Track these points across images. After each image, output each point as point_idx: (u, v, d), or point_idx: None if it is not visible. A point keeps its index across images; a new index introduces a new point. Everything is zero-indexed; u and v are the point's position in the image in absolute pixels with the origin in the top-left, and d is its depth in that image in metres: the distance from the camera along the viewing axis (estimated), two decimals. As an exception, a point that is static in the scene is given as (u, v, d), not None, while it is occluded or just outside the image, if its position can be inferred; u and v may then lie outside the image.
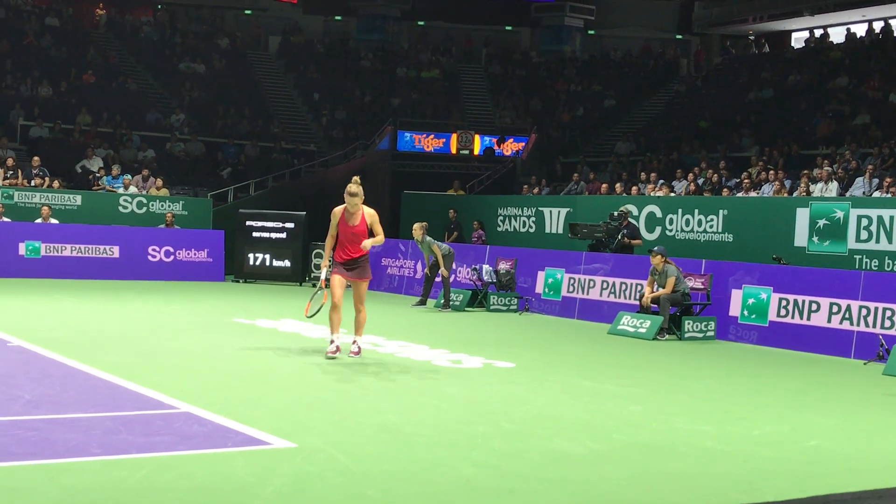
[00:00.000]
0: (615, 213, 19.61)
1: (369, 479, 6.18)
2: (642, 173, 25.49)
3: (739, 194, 21.68)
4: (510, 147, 33.22)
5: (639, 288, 16.52)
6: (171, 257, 23.12)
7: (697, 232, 20.35)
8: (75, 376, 9.56)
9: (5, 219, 22.06)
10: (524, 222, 24.43)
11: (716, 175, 23.54)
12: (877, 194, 19.53)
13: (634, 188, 23.85)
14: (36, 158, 24.95)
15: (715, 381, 11.35)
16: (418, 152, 32.80)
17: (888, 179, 19.44)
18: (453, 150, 33.11)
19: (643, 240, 19.90)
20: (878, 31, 33.47)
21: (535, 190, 27.13)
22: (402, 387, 9.72)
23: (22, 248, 21.56)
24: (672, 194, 22.98)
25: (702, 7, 39.22)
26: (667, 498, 6.03)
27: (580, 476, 6.55)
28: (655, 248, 15.75)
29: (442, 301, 18.56)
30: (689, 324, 15.26)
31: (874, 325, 13.66)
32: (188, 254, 23.31)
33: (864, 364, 13.15)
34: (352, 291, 11.48)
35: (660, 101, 36.73)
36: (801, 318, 14.56)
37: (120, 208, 24.25)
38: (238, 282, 23.33)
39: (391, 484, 6.12)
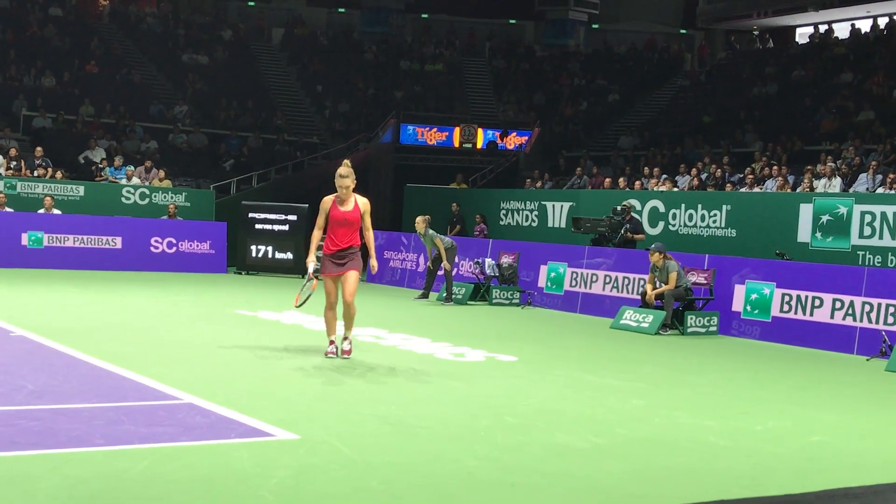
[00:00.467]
0: (618, 208, 19.60)
1: (372, 471, 6.18)
2: (646, 168, 25.47)
3: (743, 189, 21.67)
4: (513, 141, 33.21)
5: (641, 282, 16.52)
6: (174, 249, 23.13)
7: (701, 227, 20.34)
8: (78, 366, 9.56)
9: (8, 209, 22.06)
10: (527, 216, 24.42)
11: (719, 170, 23.54)
12: (880, 190, 19.51)
13: (638, 183, 23.84)
14: (39, 149, 24.95)
15: (717, 377, 11.34)
16: (421, 145, 32.79)
17: (892, 175, 19.43)
18: (456, 144, 33.11)
19: (646, 234, 19.90)
20: (882, 26, 33.40)
21: (538, 184, 27.12)
22: (404, 380, 9.71)
23: (25, 239, 21.57)
24: (675, 189, 22.97)
25: (706, 2, 39.12)
26: (669, 492, 6.03)
27: (582, 470, 6.55)
28: (653, 246, 15.73)
29: (444, 294, 18.56)
30: (691, 319, 15.26)
31: (877, 322, 13.65)
32: (190, 245, 23.32)
33: (867, 360, 13.14)
34: (342, 286, 10.70)
35: (664, 96, 36.70)
36: (804, 313, 14.55)
37: (123, 199, 24.26)
38: (240, 274, 23.34)
39: (394, 476, 6.12)
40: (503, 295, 18.72)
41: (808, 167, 21.41)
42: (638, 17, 41.91)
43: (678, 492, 6.06)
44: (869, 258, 17.39)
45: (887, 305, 13.60)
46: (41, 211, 22.26)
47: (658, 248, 15.54)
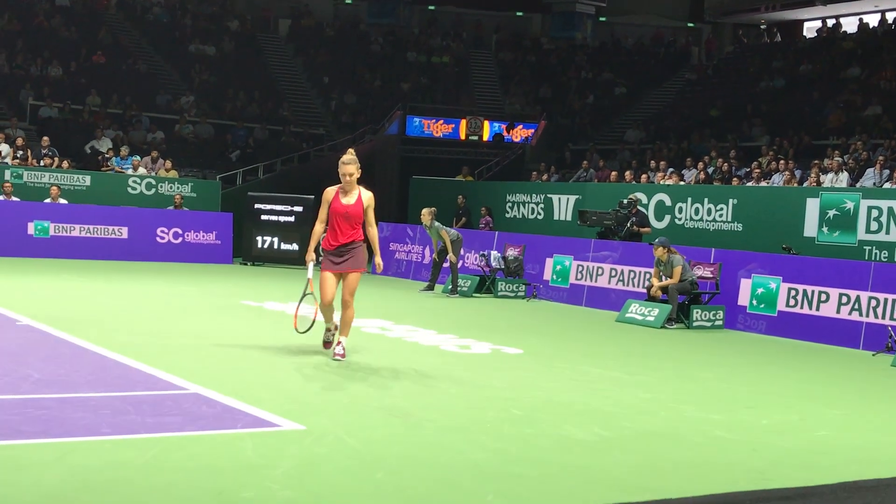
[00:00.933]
0: (624, 201, 19.57)
1: (378, 462, 6.18)
2: (652, 161, 25.43)
3: (749, 184, 21.63)
4: (519, 133, 33.17)
5: (647, 276, 16.50)
6: (180, 239, 23.15)
7: (707, 221, 20.31)
8: (84, 356, 9.58)
9: (15, 198, 22.09)
10: (533, 209, 24.41)
11: (726, 164, 23.50)
12: (887, 185, 19.47)
13: (644, 176, 23.80)
14: (45, 138, 24.96)
15: (723, 370, 11.33)
16: (427, 137, 32.75)
17: (899, 170, 19.38)
18: (462, 136, 33.06)
19: (652, 228, 19.87)
20: (890, 21, 33.30)
21: (544, 177, 27.09)
22: (410, 371, 9.71)
23: (31, 228, 21.60)
24: (682, 183, 22.94)
25: (714, -5, 39.09)
26: (674, 485, 6.03)
27: (588, 462, 6.55)
28: (657, 241, 15.71)
29: (450, 287, 18.56)
30: (697, 313, 15.25)
31: (883, 317, 13.63)
32: (196, 236, 23.34)
33: (873, 355, 13.13)
34: (342, 284, 10.00)
35: (671, 90, 36.62)
36: (810, 308, 14.53)
37: (129, 189, 24.28)
38: (246, 264, 23.35)
39: (400, 467, 6.12)
40: (508, 287, 18.71)
41: (815, 162, 21.36)
42: (645, 11, 41.81)
43: (684, 485, 6.06)
44: (875, 253, 17.36)
45: (894, 301, 13.57)
46: (47, 200, 22.29)
47: (662, 243, 15.52)
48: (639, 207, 19.85)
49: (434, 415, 7.74)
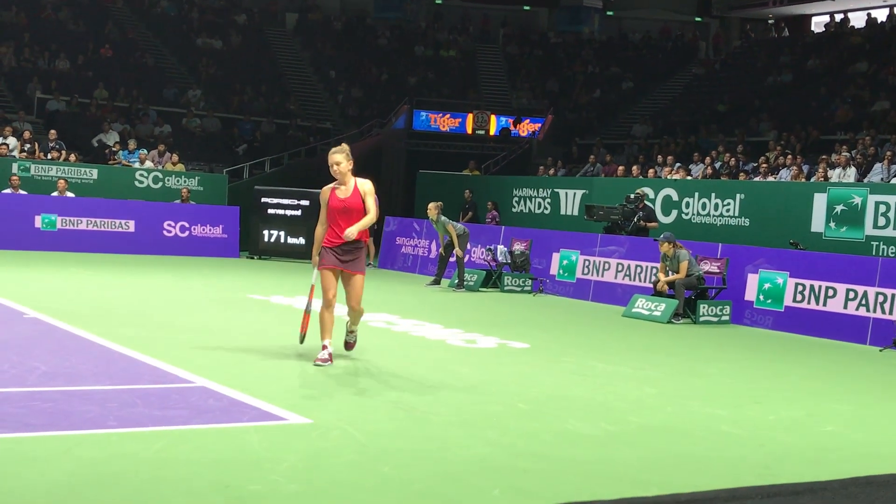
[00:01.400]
0: (631, 196, 19.54)
1: (384, 456, 6.18)
2: (659, 156, 25.38)
3: (757, 179, 21.59)
4: (526, 128, 33.12)
5: (654, 271, 16.48)
6: (187, 233, 23.18)
7: (714, 216, 20.28)
8: (91, 349, 9.59)
9: (22, 191, 22.13)
10: (539, 203, 24.38)
11: (733, 159, 23.44)
12: (895, 180, 19.41)
13: (651, 171, 23.75)
14: (53, 132, 25.01)
15: (730, 366, 11.31)
16: (434, 132, 32.71)
17: (907, 166, 19.33)
18: (469, 130, 33.02)
19: (659, 223, 19.84)
20: (899, 16, 33.18)
21: (551, 171, 27.06)
22: (416, 365, 9.71)
23: (38, 221, 21.65)
24: (689, 178, 22.89)
25: (721, -10, 39.00)
26: (681, 480, 6.02)
27: (594, 457, 6.54)
28: (662, 236, 15.69)
29: (456, 281, 18.55)
30: (704, 308, 15.23)
31: (890, 312, 13.60)
32: (203, 229, 23.36)
33: (880, 351, 13.11)
34: (345, 289, 9.42)
35: (678, 84, 36.54)
36: (818, 303, 14.51)
37: (136, 183, 24.31)
38: (253, 258, 23.37)
39: (406, 461, 6.12)
40: (515, 282, 18.70)
41: (823, 157, 21.31)
42: (653, 5, 41.70)
43: (690, 479, 6.06)
44: (883, 248, 17.32)
45: (901, 296, 13.54)
46: (55, 194, 22.33)
47: (667, 238, 15.50)
48: (646, 202, 19.83)
49: (440, 409, 7.74)
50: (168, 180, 24.64)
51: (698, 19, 41.80)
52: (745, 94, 31.27)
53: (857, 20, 34.70)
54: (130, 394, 7.56)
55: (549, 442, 6.86)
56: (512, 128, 32.87)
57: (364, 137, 31.89)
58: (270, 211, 23.51)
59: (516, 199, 25.08)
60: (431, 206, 18.59)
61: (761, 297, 15.25)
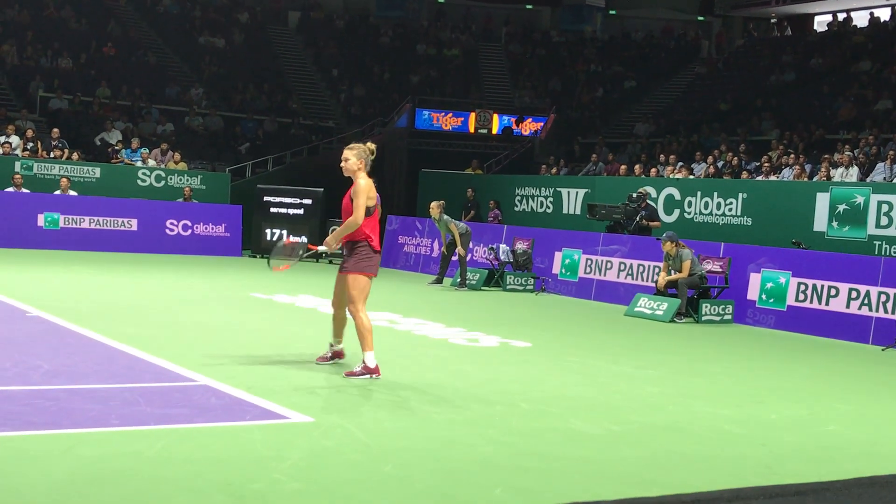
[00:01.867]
0: (634, 195, 19.53)
1: (386, 455, 6.18)
2: (661, 155, 25.37)
3: (759, 178, 21.57)
4: (529, 127, 33.11)
5: (656, 270, 16.48)
6: (189, 231, 23.19)
7: (716, 215, 20.26)
8: (94, 347, 9.60)
9: (24, 190, 22.15)
10: (542, 202, 24.38)
11: (736, 158, 23.43)
12: (898, 180, 19.40)
13: (653, 170, 23.74)
14: (55, 130, 25.02)
15: (732, 365, 11.31)
16: (436, 130, 32.71)
17: (910, 165, 19.30)
18: (471, 129, 33.02)
19: (661, 222, 19.83)
20: (902, 15, 33.17)
21: (554, 170, 27.05)
22: (418, 364, 9.72)
23: (41, 220, 21.66)
24: (691, 177, 22.88)
25: (724, -11, 38.98)
26: (683, 479, 6.02)
27: (597, 456, 6.54)
28: (664, 235, 15.69)
29: (458, 280, 18.56)
30: (706, 307, 15.22)
31: (893, 312, 13.60)
32: (206, 228, 23.38)
33: (883, 350, 13.10)
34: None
35: (680, 83, 36.52)
36: (820, 303, 14.50)
37: (138, 181, 24.32)
38: (255, 257, 23.37)
39: (408, 460, 6.12)
40: (517, 281, 18.70)
41: (826, 156, 21.29)
42: (655, 4, 41.68)
43: (692, 479, 6.05)
44: (885, 248, 17.30)
45: (904, 295, 13.53)
46: (57, 192, 22.35)
47: (669, 237, 15.49)
48: (648, 202, 19.82)
49: (442, 408, 7.74)
50: (170, 179, 24.65)
51: (701, 18, 41.77)
52: (747, 93, 31.25)
53: (860, 19, 34.68)
54: (133, 392, 7.56)
55: (551, 441, 6.86)
56: (514, 126, 32.87)
57: (366, 136, 31.87)
58: (273, 209, 23.52)
59: (518, 197, 25.07)
60: (434, 204, 18.59)
61: (764, 297, 15.24)
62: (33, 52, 30.63)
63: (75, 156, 24.30)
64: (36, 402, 7.01)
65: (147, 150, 25.36)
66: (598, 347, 12.16)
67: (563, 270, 18.72)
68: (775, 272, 15.19)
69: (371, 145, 9.01)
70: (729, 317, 15.41)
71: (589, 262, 18.28)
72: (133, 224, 22.63)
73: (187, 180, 24.68)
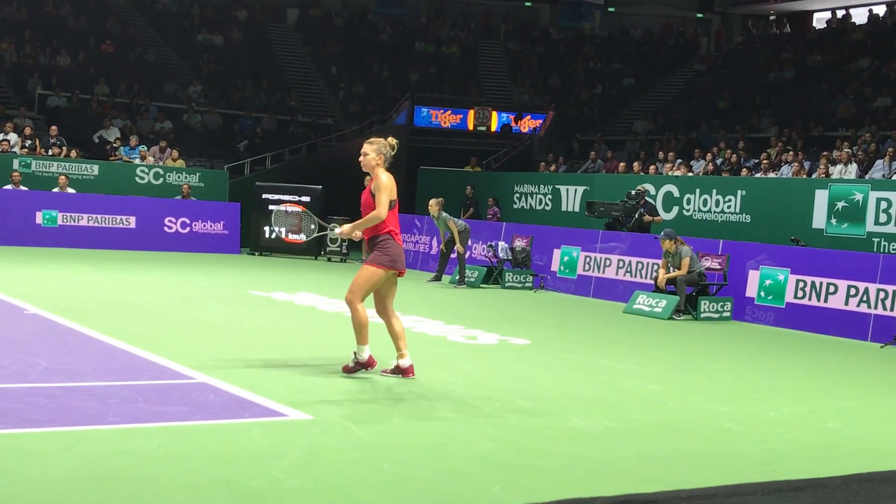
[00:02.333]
0: (632, 192, 19.53)
1: (385, 452, 6.18)
2: (660, 152, 25.37)
3: (758, 175, 21.57)
4: (527, 124, 33.10)
5: (655, 267, 16.48)
6: (188, 229, 23.17)
7: (715, 212, 20.26)
8: (92, 345, 9.59)
9: (23, 187, 22.13)
10: (541, 200, 24.37)
11: (734, 155, 23.43)
12: (897, 177, 19.40)
13: (652, 167, 23.74)
14: (54, 128, 24.99)
15: (731, 362, 11.31)
16: (435, 128, 32.69)
17: (908, 162, 19.30)
18: (470, 127, 33.00)
19: (662, 218, 19.85)
20: (901, 12, 33.14)
21: (552, 167, 27.05)
22: (417, 362, 9.69)
23: (39, 217, 21.65)
24: (690, 174, 22.88)
25: (723, -14, 38.96)
26: (682, 477, 6.01)
27: (596, 453, 6.54)
28: (662, 233, 15.67)
29: (457, 277, 18.55)
30: (705, 304, 15.22)
31: (891, 309, 13.60)
32: (204, 226, 23.36)
33: (881, 347, 13.10)
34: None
35: (679, 80, 36.51)
36: (819, 300, 14.50)
37: (137, 179, 24.30)
38: (254, 255, 23.36)
39: (406, 457, 6.12)
40: (516, 278, 18.70)
41: (824, 153, 21.29)
42: (654, 1, 41.66)
43: (691, 476, 6.05)
44: (884, 245, 17.30)
45: (903, 292, 13.53)
46: (55, 190, 22.32)
47: (668, 235, 15.49)
48: (647, 199, 19.82)
49: (441, 405, 7.73)
50: (169, 176, 24.63)
51: (700, 15, 41.75)
52: (746, 91, 31.25)
53: (859, 16, 34.67)
54: (131, 390, 7.55)
55: (550, 438, 6.85)
56: (513, 124, 32.85)
57: (365, 134, 31.84)
58: (271, 207, 23.47)
59: (517, 195, 25.07)
60: (432, 202, 18.59)
61: (762, 294, 15.24)
62: (31, 49, 30.59)
63: (73, 153, 24.28)
64: (34, 400, 7.00)
65: (145, 148, 25.34)
66: (596, 345, 12.16)
67: (562, 268, 18.72)
68: (774, 269, 15.19)
69: (392, 140, 8.87)
70: (728, 314, 15.41)
71: (588, 259, 18.28)
72: (131, 222, 22.61)
73: (186, 178, 24.66)
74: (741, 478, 6.01)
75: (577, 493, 5.50)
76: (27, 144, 23.97)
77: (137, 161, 24.84)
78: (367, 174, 8.86)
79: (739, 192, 19.94)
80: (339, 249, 22.98)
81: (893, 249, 17.08)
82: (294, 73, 35.49)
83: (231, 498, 5.12)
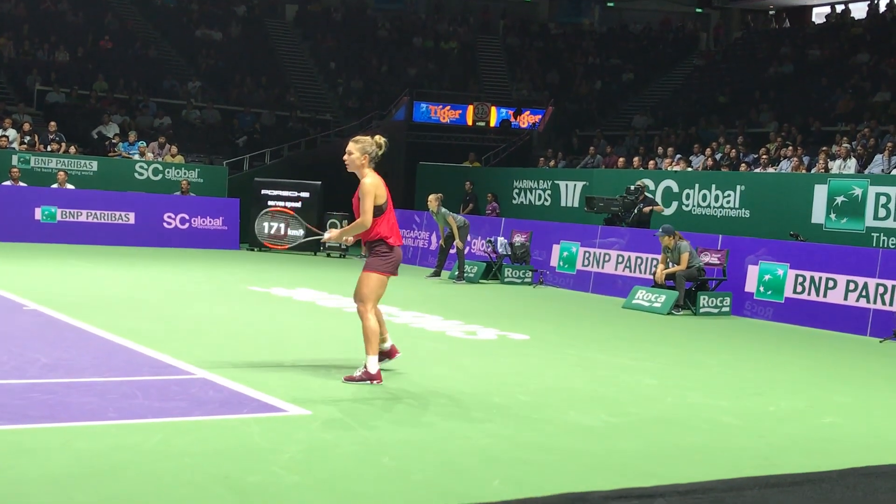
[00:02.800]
0: (631, 188, 19.53)
1: (384, 447, 6.18)
2: (660, 147, 25.37)
3: (757, 170, 21.57)
4: (527, 119, 33.08)
5: (654, 262, 16.48)
6: (187, 225, 23.17)
7: (714, 207, 20.26)
8: (91, 341, 9.59)
9: (22, 183, 22.11)
10: (540, 195, 24.37)
11: (734, 150, 23.42)
12: (895, 172, 19.39)
13: (651, 162, 23.74)
14: (52, 124, 24.99)
15: (730, 357, 11.31)
16: (434, 123, 32.67)
17: (907, 157, 19.30)
18: (469, 122, 32.98)
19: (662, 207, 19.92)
20: (900, 7, 33.11)
21: (552, 163, 27.04)
22: (416, 357, 9.71)
23: (38, 213, 21.63)
24: (689, 169, 22.87)
25: (722, -19, 38.94)
26: (681, 471, 6.02)
27: (595, 448, 6.54)
28: (661, 229, 15.66)
29: (456, 273, 18.55)
30: (704, 299, 15.22)
31: (891, 303, 13.60)
32: (203, 221, 23.35)
33: (880, 342, 13.10)
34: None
35: (678, 76, 36.50)
36: (818, 295, 14.50)
37: (136, 175, 24.29)
38: (253, 250, 23.36)
39: (406, 453, 6.12)
40: (515, 274, 18.70)
41: (824, 148, 21.29)
42: (653, -4, 41.68)
43: (690, 470, 6.05)
44: (883, 240, 17.30)
45: (902, 287, 13.53)
46: (54, 186, 22.31)
47: (667, 231, 15.48)
48: (646, 194, 19.83)
49: (440, 400, 7.74)
50: (168, 172, 24.62)
51: (699, 10, 41.73)
52: (745, 86, 31.24)
53: (858, 11, 34.65)
54: (130, 385, 7.55)
55: (549, 433, 6.86)
56: (512, 119, 32.84)
57: (364, 129, 31.83)
58: (270, 203, 23.48)
59: (517, 190, 25.06)
60: (432, 197, 18.57)
61: (761, 289, 15.24)
62: (30, 45, 30.58)
63: (72, 149, 24.28)
64: (33, 396, 7.00)
65: (144, 144, 25.32)
66: (596, 340, 12.16)
67: (561, 263, 18.72)
68: (773, 264, 15.19)
69: (379, 139, 8.42)
70: (727, 309, 15.41)
71: (587, 254, 18.28)
72: (130, 217, 22.60)
73: (185, 174, 24.65)
74: (740, 473, 6.01)
75: (576, 487, 5.50)
76: (26, 140, 23.96)
77: (136, 157, 24.83)
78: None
79: (739, 187, 19.94)
80: (338, 245, 22.96)
81: (892, 244, 17.08)
82: (293, 69, 35.48)
83: (230, 493, 5.12)
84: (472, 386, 8.42)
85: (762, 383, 9.53)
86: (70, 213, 21.97)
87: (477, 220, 21.28)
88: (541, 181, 24.54)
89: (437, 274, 19.05)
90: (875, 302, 13.81)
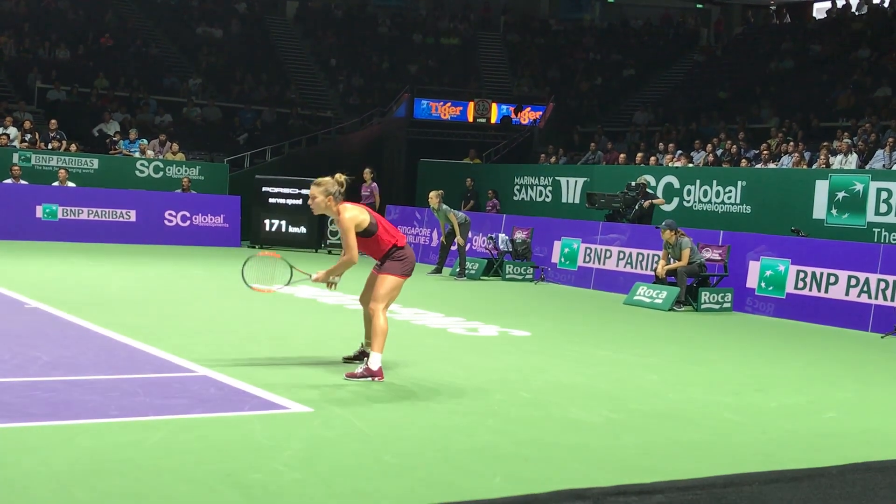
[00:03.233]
0: (632, 184, 19.53)
1: (386, 444, 6.19)
2: (661, 143, 25.34)
3: (758, 166, 21.56)
4: (527, 116, 33.05)
5: (655, 259, 16.48)
6: (188, 222, 23.17)
7: (715, 203, 20.26)
8: (93, 338, 9.60)
9: (23, 181, 22.12)
10: (541, 192, 24.36)
11: (735, 146, 23.41)
12: (897, 167, 19.39)
13: (653, 158, 23.72)
14: (53, 121, 24.99)
15: (732, 353, 11.32)
16: (435, 120, 32.64)
17: (908, 152, 19.29)
18: (470, 119, 32.95)
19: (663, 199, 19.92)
20: (901, 2, 33.08)
21: (553, 159, 27.02)
22: (417, 354, 9.71)
23: (39, 211, 21.64)
24: (690, 165, 22.86)
25: (723, -24, 38.89)
26: (683, 467, 6.02)
27: (597, 444, 6.54)
28: (663, 224, 15.67)
29: (457, 269, 18.55)
30: (705, 295, 15.22)
31: (892, 299, 13.60)
32: (204, 219, 23.36)
33: (882, 337, 13.10)
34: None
35: (679, 71, 36.45)
36: (819, 290, 14.50)
37: (137, 172, 24.30)
38: (254, 247, 23.35)
39: (407, 449, 6.12)
40: (516, 270, 18.70)
41: (825, 143, 21.27)
42: (654, -8, 41.64)
43: (692, 466, 6.06)
44: (884, 235, 17.30)
45: (903, 283, 13.52)
46: (55, 184, 22.32)
47: (668, 226, 15.48)
48: (647, 191, 19.82)
49: (441, 397, 7.74)
50: (169, 170, 24.63)
51: (700, 6, 41.68)
52: (746, 81, 31.20)
53: (859, 6, 34.58)
54: (132, 383, 7.56)
55: (550, 429, 6.86)
56: (513, 116, 32.81)
57: (365, 126, 31.85)
58: (271, 200, 23.50)
59: (517, 187, 25.05)
60: (433, 194, 18.57)
61: (763, 285, 15.24)
62: (31, 43, 30.57)
63: (73, 147, 24.28)
64: (35, 394, 7.01)
65: (145, 141, 25.32)
66: (597, 336, 12.17)
67: (563, 259, 18.72)
68: (774, 260, 15.19)
69: (340, 177, 8.47)
70: (728, 305, 15.41)
71: (588, 251, 18.28)
72: (132, 215, 22.61)
73: (186, 171, 24.65)
74: (742, 468, 6.02)
75: (577, 483, 5.50)
76: (27, 138, 23.96)
77: (137, 154, 24.83)
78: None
79: (740, 182, 19.93)
80: (339, 242, 22.95)
81: (894, 239, 17.08)
82: (293, 66, 35.45)
83: (232, 490, 5.13)
84: (474, 382, 8.42)
85: (763, 379, 9.54)
86: (71, 210, 21.98)
87: (478, 216, 21.27)
88: (542, 177, 24.53)
89: (438, 271, 19.06)
90: (876, 297, 13.81)
